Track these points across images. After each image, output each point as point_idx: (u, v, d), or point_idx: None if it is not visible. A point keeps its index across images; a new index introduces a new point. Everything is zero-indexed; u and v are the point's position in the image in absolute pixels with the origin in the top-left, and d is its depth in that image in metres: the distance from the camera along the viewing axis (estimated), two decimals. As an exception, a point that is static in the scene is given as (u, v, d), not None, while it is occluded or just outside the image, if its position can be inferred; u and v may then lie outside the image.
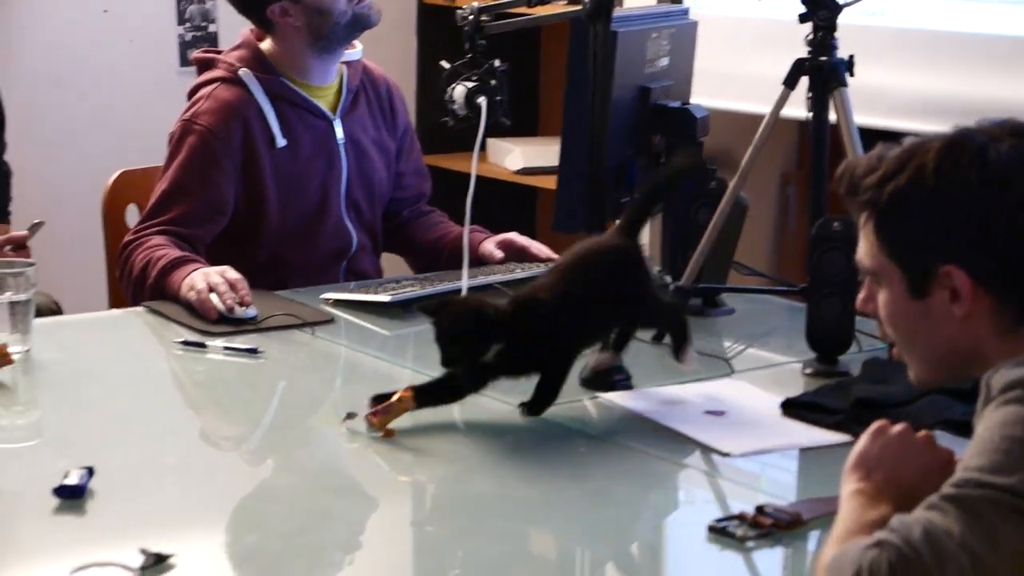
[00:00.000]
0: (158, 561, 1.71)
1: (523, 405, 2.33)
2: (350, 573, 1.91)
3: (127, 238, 3.15)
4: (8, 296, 2.59)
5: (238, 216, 3.22)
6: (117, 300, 3.35)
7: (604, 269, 2.38)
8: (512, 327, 2.28)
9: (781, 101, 2.81)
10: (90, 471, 1.98)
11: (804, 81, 2.80)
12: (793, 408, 2.35)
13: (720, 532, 1.90)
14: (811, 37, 2.79)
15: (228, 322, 2.82)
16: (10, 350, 2.51)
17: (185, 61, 4.87)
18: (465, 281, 2.67)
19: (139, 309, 2.96)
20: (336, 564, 1.91)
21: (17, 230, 3.50)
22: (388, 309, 2.93)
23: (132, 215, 3.53)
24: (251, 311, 2.84)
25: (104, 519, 1.93)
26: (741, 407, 2.40)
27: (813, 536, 1.92)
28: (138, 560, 1.67)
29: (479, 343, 2.27)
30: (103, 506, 1.96)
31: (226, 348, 2.70)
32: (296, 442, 2.33)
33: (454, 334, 2.26)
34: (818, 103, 2.79)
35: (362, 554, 1.95)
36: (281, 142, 3.21)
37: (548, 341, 2.31)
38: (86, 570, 1.43)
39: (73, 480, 1.96)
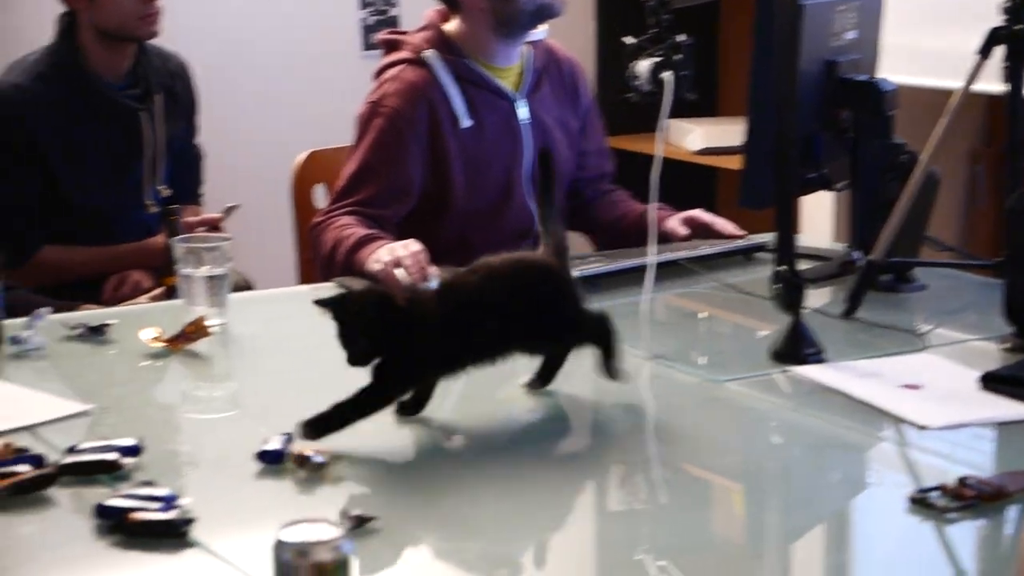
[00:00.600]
0: (360, 523, 1.74)
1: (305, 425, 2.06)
2: (548, 539, 1.92)
3: (316, 219, 3.21)
4: (205, 270, 2.65)
5: (424, 197, 3.25)
6: (306, 278, 3.42)
7: (527, 278, 2.25)
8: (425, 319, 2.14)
9: (974, 72, 2.75)
10: (289, 437, 2.02)
11: (998, 52, 2.75)
12: (992, 382, 2.31)
13: (921, 503, 1.87)
14: (1008, 4, 2.73)
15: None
16: (207, 323, 2.57)
17: (367, 44, 4.95)
18: (652, 257, 2.66)
19: (330, 285, 3.01)
20: (531, 528, 1.92)
21: (210, 212, 3.59)
22: (573, 285, 2.95)
23: (320, 195, 3.60)
24: (435, 284, 2.87)
25: (305, 483, 1.97)
26: (937, 381, 2.36)
27: (1015, 509, 1.89)
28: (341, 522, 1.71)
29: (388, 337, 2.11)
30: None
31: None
32: (484, 412, 2.35)
33: (363, 327, 2.10)
34: (1015, 73, 2.73)
35: (556, 523, 1.96)
36: (466, 123, 3.24)
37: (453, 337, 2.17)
38: (296, 526, 1.45)
39: (274, 445, 2.00)
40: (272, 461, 1.99)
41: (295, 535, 1.45)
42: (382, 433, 2.14)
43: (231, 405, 2.46)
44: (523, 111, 3.31)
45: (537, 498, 2.00)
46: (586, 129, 3.47)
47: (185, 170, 3.73)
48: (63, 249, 3.45)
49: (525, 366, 2.33)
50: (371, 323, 2.10)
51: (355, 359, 2.11)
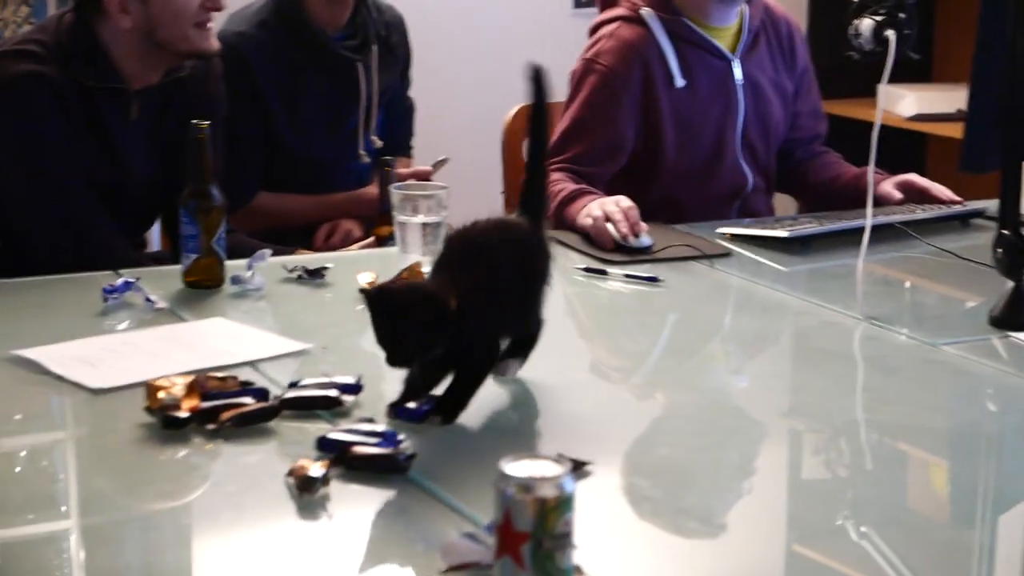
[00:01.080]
0: (577, 467, 1.76)
1: (437, 413, 1.99)
2: (753, 498, 1.91)
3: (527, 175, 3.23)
4: (421, 218, 2.69)
5: (635, 156, 3.25)
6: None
7: (525, 260, 2.15)
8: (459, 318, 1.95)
9: None
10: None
11: None
12: None
13: None
14: None
15: (623, 250, 2.87)
16: (423, 270, 2.61)
17: (578, 2, 4.96)
18: (868, 220, 2.63)
19: (540, 238, 3.03)
20: (737, 484, 1.92)
21: (419, 165, 3.63)
22: (785, 245, 2.93)
23: (530, 150, 3.61)
24: (646, 240, 2.88)
25: (520, 424, 2.00)
26: None
27: None
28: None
29: (437, 337, 1.94)
30: (523, 415, 2.04)
31: (626, 276, 2.74)
32: (687, 375, 2.34)
33: (414, 326, 1.92)
34: None
35: (762, 483, 1.95)
36: (680, 82, 3.23)
37: (484, 337, 2.03)
38: (519, 462, 1.47)
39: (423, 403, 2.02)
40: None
41: (518, 470, 1.47)
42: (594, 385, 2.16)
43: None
44: (738, 71, 3.29)
45: (744, 456, 2.00)
46: (800, 90, 3.43)
47: (397, 122, 3.77)
48: (278, 196, 3.52)
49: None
50: (423, 323, 1.93)
51: (400, 360, 1.95)
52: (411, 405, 2.00)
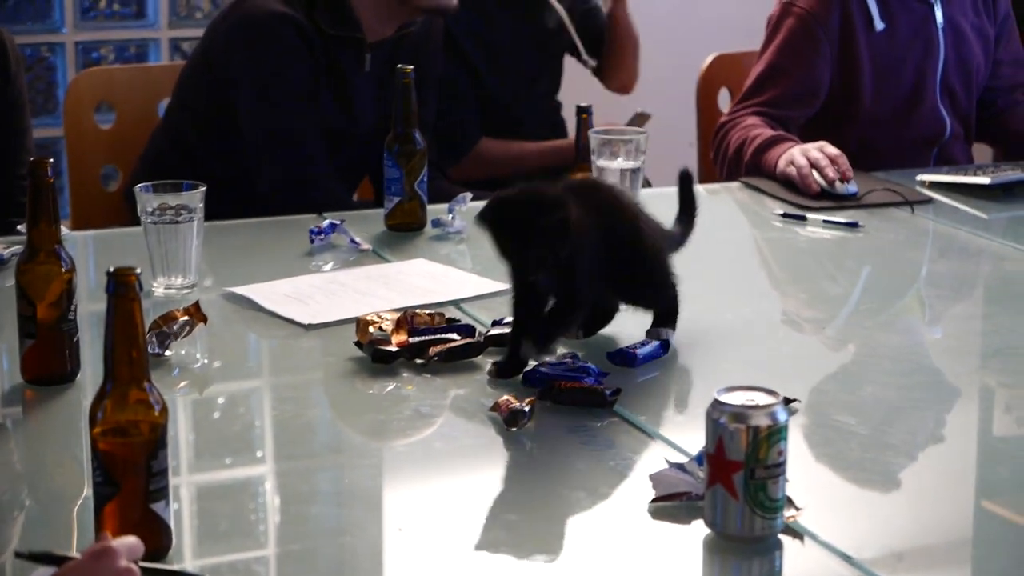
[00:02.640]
0: (785, 403, 1.75)
1: (497, 365, 1.95)
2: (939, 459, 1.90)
3: (722, 119, 3.22)
4: (619, 162, 2.70)
5: (831, 100, 3.22)
6: (707, 179, 3.43)
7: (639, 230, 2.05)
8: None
9: None
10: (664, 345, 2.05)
11: None
12: None
13: None
14: None
15: (828, 197, 2.85)
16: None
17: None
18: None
19: (735, 184, 3.03)
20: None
21: (616, 119, 3.64)
22: (987, 192, 2.89)
23: (724, 99, 3.61)
24: (852, 187, 2.86)
25: (717, 368, 2.01)
26: None
27: None
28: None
29: (561, 246, 1.88)
30: (720, 357, 2.05)
31: (826, 221, 2.73)
32: (886, 320, 2.32)
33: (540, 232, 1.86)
34: None
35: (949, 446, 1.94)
36: (879, 25, 3.19)
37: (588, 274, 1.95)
38: (732, 392, 1.48)
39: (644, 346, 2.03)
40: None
41: (731, 399, 1.48)
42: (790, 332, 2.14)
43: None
44: (939, 14, 3.23)
45: (945, 401, 2.00)
46: (1002, 37, 3.37)
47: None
48: (501, 143, 3.55)
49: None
50: (548, 229, 1.86)
51: (529, 269, 1.90)
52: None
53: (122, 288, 1.41)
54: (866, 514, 1.63)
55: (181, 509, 1.61)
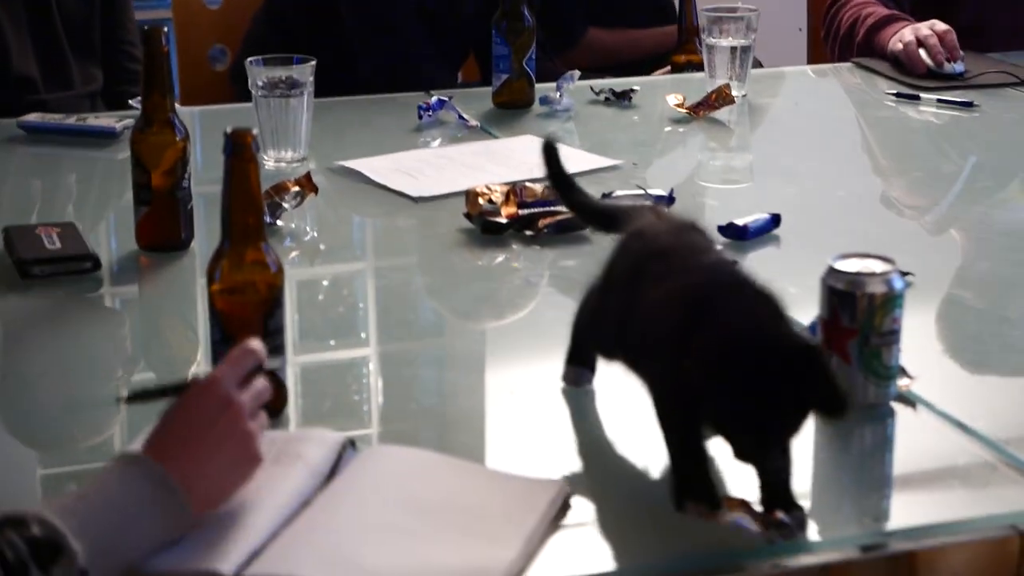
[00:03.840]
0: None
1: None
2: None
3: (834, -3, 3.17)
4: (729, 41, 2.67)
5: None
6: (815, 59, 3.39)
7: None
8: None
9: None
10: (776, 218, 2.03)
11: None
12: None
13: None
14: None
15: (935, 77, 2.80)
16: (732, 93, 2.60)
17: None
18: None
19: (847, 64, 2.99)
20: None
21: None
22: (1106, 72, 2.83)
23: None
24: (959, 66, 2.80)
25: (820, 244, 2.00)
26: None
27: None
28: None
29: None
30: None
31: (940, 101, 2.69)
32: (984, 213, 2.28)
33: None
34: None
35: None
36: None
37: None
38: (848, 259, 1.47)
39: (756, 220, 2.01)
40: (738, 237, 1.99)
41: (847, 266, 1.47)
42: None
43: (746, 176, 2.49)
44: None
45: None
46: None
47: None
48: (610, 32, 3.51)
49: None
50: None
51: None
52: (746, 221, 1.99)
53: (239, 148, 1.42)
54: (980, 386, 1.62)
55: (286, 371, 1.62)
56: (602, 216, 1.57)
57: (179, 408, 1.26)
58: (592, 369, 1.55)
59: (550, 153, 1.58)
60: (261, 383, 1.30)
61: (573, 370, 1.55)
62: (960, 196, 2.32)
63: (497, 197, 2.02)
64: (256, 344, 1.30)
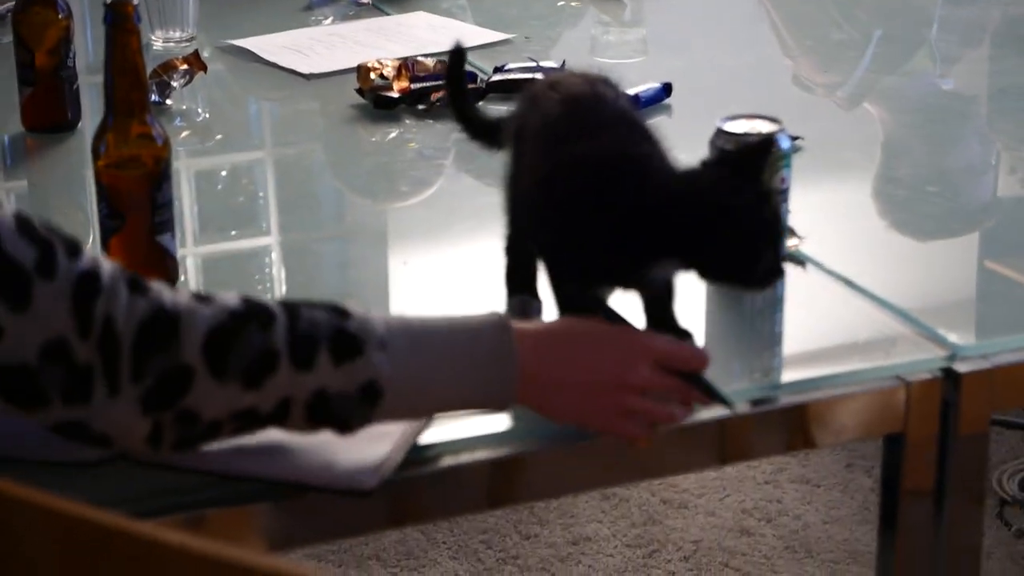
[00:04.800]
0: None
1: None
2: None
3: None
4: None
5: None
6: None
7: None
8: None
9: None
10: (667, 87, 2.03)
11: None
12: None
13: None
14: None
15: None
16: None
17: None
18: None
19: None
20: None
21: None
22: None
23: None
24: None
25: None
26: None
27: None
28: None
29: None
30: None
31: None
32: (892, 85, 2.30)
33: None
34: None
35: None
36: None
37: None
38: (735, 120, 1.48)
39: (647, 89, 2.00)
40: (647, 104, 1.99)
41: (734, 127, 1.48)
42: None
43: (639, 51, 2.49)
44: None
45: (956, 135, 1.99)
46: None
47: None
48: None
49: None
50: None
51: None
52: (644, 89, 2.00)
53: (120, 19, 1.40)
54: (868, 246, 1.64)
55: (187, 280, 1.60)
56: (490, 132, 1.48)
57: (587, 332, 1.21)
58: (535, 295, 1.41)
59: (456, 60, 1.51)
60: (682, 388, 1.22)
61: (516, 300, 1.42)
62: (867, 68, 2.33)
63: (389, 72, 2.01)
64: (705, 353, 1.22)
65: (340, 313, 1.13)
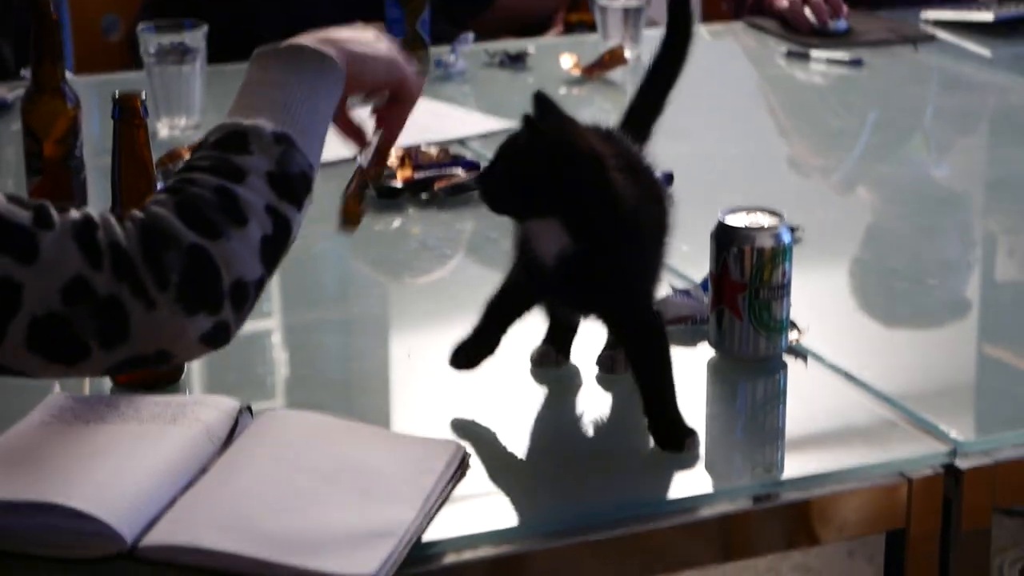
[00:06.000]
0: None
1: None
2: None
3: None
4: (621, 2, 2.69)
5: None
6: (712, 18, 3.42)
7: None
8: None
9: None
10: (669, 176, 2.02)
11: None
12: None
13: None
14: None
15: (820, 35, 2.83)
16: (626, 53, 2.62)
17: None
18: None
19: (739, 24, 3.01)
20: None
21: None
22: (991, 29, 2.88)
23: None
24: (843, 24, 2.84)
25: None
26: None
27: None
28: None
29: None
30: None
31: (829, 60, 2.72)
32: (887, 172, 2.32)
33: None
34: None
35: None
36: None
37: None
38: (736, 213, 1.49)
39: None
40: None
41: (735, 221, 1.49)
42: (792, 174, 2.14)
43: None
44: None
45: (950, 225, 2.00)
46: None
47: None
48: None
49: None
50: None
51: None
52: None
53: (127, 112, 1.42)
54: (868, 338, 1.65)
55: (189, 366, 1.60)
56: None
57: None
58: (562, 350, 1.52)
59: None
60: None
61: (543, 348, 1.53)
62: (853, 158, 2.35)
63: (392, 161, 2.02)
64: None
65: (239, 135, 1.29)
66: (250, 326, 1.73)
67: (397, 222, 1.96)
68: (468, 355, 1.47)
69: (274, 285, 1.85)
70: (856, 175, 2.27)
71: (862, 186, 2.22)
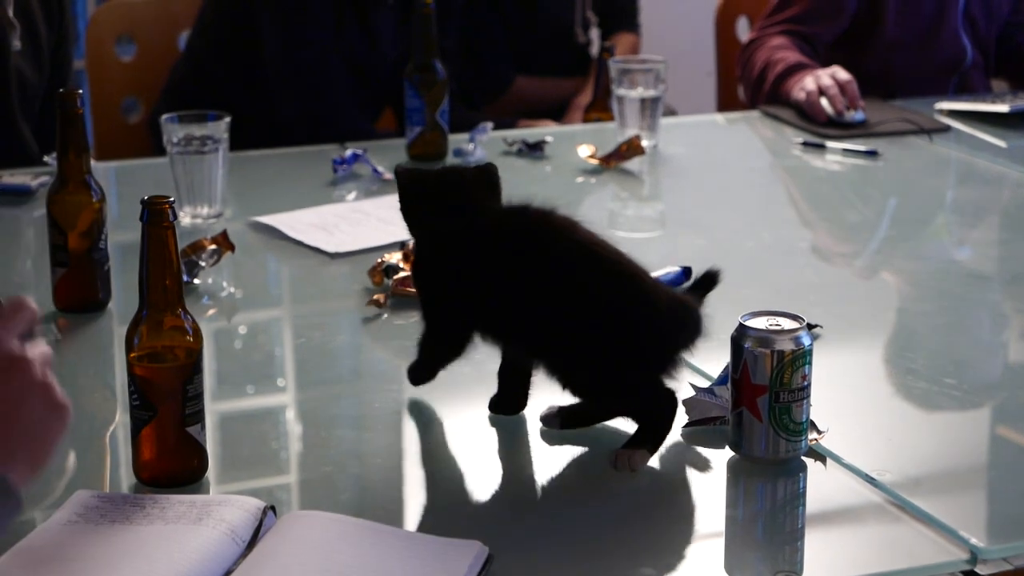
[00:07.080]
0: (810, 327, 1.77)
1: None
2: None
3: (749, 38, 3.23)
4: (639, 91, 2.71)
5: (854, 21, 3.21)
6: (725, 106, 3.45)
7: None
8: None
9: None
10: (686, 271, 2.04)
11: None
12: None
13: None
14: None
15: (837, 125, 2.86)
16: (643, 142, 2.64)
17: None
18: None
19: (755, 113, 3.04)
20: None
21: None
22: (1005, 120, 2.90)
23: (743, 27, 3.61)
24: (859, 115, 2.86)
25: (743, 297, 2.03)
26: None
27: None
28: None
29: None
30: (742, 285, 2.05)
31: (845, 150, 2.74)
32: (910, 245, 2.34)
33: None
34: None
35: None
36: None
37: None
38: (756, 317, 1.51)
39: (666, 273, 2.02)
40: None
41: (756, 324, 1.50)
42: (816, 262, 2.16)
43: (657, 225, 2.53)
44: (965, -59, 3.22)
45: (971, 323, 2.02)
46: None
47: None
48: (539, 80, 3.54)
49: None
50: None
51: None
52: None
53: (156, 216, 1.43)
54: (888, 438, 1.65)
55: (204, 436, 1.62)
56: None
57: None
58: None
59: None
60: (40, 341, 1.24)
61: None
62: (869, 247, 2.37)
63: (397, 259, 2.03)
64: (25, 298, 1.23)
65: None
66: (266, 401, 1.76)
67: (416, 316, 1.97)
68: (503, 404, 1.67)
69: (291, 372, 1.86)
70: (878, 258, 2.29)
71: (884, 270, 2.24)
